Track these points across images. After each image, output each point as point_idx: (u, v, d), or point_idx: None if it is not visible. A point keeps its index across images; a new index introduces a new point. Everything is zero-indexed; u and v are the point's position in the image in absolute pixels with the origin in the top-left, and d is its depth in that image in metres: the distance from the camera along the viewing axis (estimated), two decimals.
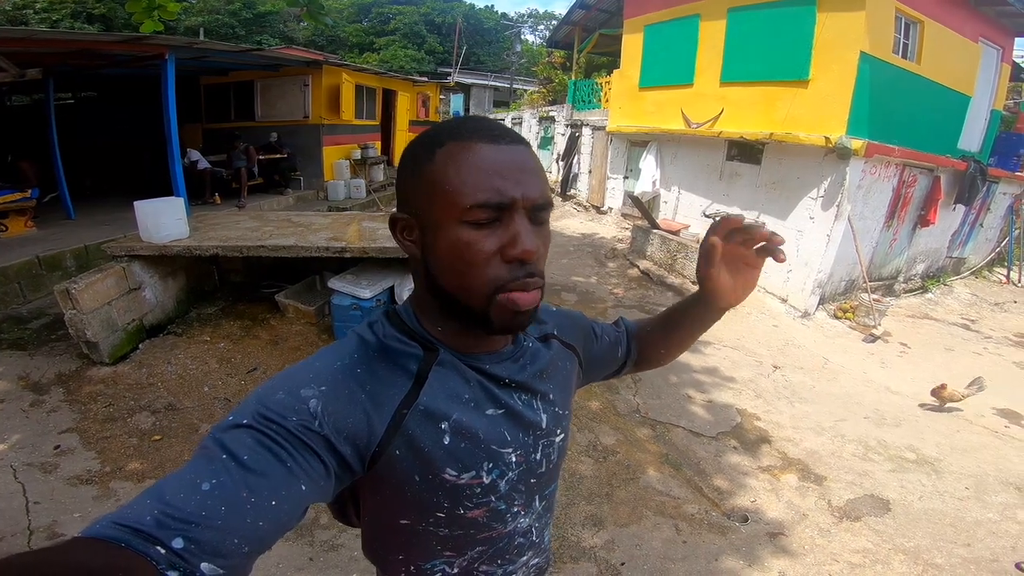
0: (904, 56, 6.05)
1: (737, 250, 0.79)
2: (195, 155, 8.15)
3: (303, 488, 0.53)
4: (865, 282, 6.07)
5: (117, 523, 0.44)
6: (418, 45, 26.22)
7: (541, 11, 38.80)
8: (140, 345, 4.07)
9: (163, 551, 0.43)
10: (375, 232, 4.73)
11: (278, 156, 9.30)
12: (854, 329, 5.66)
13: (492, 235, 0.60)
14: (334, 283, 4.34)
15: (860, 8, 5.39)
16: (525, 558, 0.83)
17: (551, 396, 0.77)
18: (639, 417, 3.67)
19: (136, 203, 4.18)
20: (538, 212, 0.62)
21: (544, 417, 0.76)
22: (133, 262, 4.17)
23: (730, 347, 4.89)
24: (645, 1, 8.51)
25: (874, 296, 6.02)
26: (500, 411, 0.70)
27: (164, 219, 4.19)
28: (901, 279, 7.17)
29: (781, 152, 6.36)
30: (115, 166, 9.84)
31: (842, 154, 5.52)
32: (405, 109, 13.41)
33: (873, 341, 5.36)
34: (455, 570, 0.76)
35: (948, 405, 4.10)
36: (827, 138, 5.57)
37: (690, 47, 7.49)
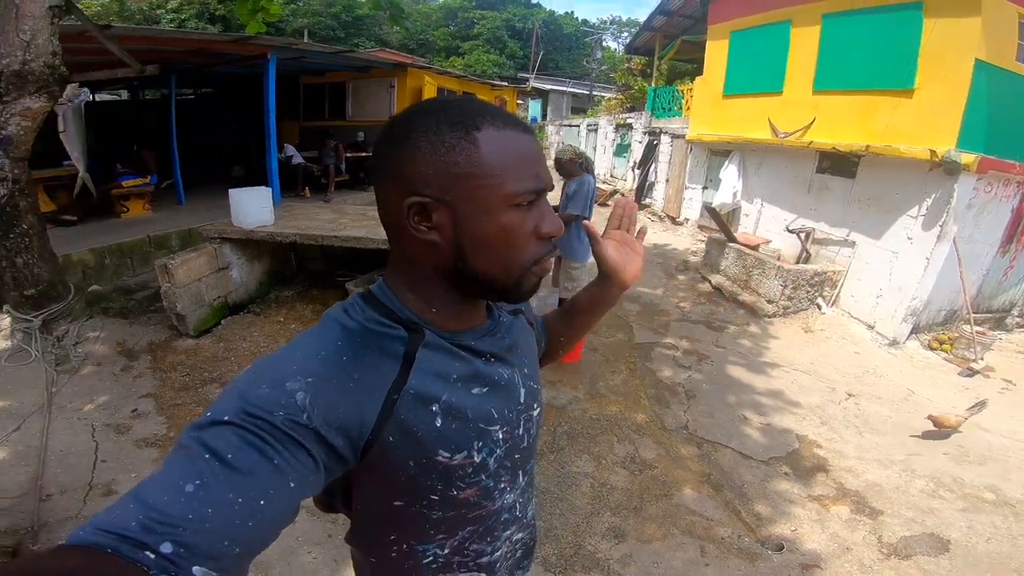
0: None
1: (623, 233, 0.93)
2: (291, 150, 8.79)
3: (292, 485, 0.52)
4: (968, 313, 5.42)
5: (102, 529, 0.43)
6: (500, 50, 26.82)
7: (624, 18, 38.22)
8: (222, 321, 4.46)
9: (153, 556, 0.42)
10: None
11: (363, 154, 9.81)
12: (950, 362, 5.07)
13: (528, 216, 0.65)
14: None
15: (975, 13, 4.85)
16: (508, 532, 0.84)
17: (526, 370, 0.80)
18: (686, 434, 3.51)
19: (230, 191, 4.60)
20: (547, 192, 0.68)
21: (523, 391, 0.77)
22: (224, 244, 4.58)
23: (801, 371, 4.55)
24: (731, 7, 8.16)
25: (978, 328, 5.36)
26: (485, 388, 0.71)
27: (252, 206, 4.58)
28: (1016, 312, 6.34)
29: (879, 165, 5.84)
30: (225, 158, 10.83)
31: (950, 169, 4.98)
32: None
33: (971, 375, 4.78)
34: (446, 550, 0.77)
35: (950, 429, 3.68)
36: (933, 151, 5.04)
37: (780, 53, 7.09)
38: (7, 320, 3.80)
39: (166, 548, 0.42)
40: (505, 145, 0.61)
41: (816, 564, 2.50)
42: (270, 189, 5.14)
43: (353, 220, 5.14)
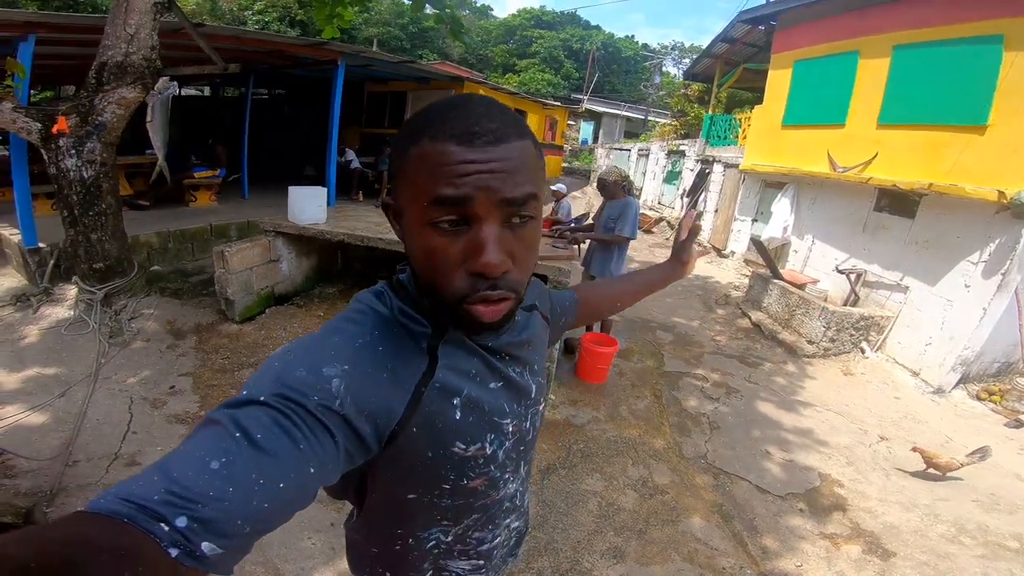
0: None
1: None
2: (351, 155, 9.22)
3: (311, 471, 0.52)
4: None
5: (123, 498, 0.43)
6: (555, 70, 27.12)
7: (687, 44, 37.76)
8: (267, 310, 4.72)
9: (166, 528, 0.42)
10: None
11: None
12: (997, 412, 4.76)
13: (458, 241, 0.58)
14: None
15: None
16: (508, 520, 0.88)
17: (536, 366, 0.82)
18: (704, 463, 3.46)
19: (290, 188, 4.89)
20: (516, 210, 0.59)
21: (533, 387, 0.80)
22: (278, 237, 4.87)
23: (834, 411, 4.39)
24: (797, 36, 8.02)
25: None
26: (500, 383, 0.74)
27: (307, 204, 4.85)
28: None
29: (941, 206, 5.58)
30: (290, 157, 11.45)
31: (1018, 213, 4.71)
32: (534, 130, 13.91)
33: (1018, 427, 4.48)
34: (450, 537, 0.81)
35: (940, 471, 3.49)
36: (1002, 193, 4.77)
37: (845, 85, 6.89)
38: (73, 291, 4.14)
39: (181, 522, 0.43)
40: (433, 157, 0.57)
41: None
42: (326, 189, 5.43)
43: None
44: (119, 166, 4.57)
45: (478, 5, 34.11)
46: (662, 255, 9.98)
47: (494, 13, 36.05)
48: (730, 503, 3.09)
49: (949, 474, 3.54)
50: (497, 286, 0.60)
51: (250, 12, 20.16)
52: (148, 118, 4.86)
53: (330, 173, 7.57)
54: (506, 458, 0.77)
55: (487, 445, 0.72)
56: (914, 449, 3.61)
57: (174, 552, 0.42)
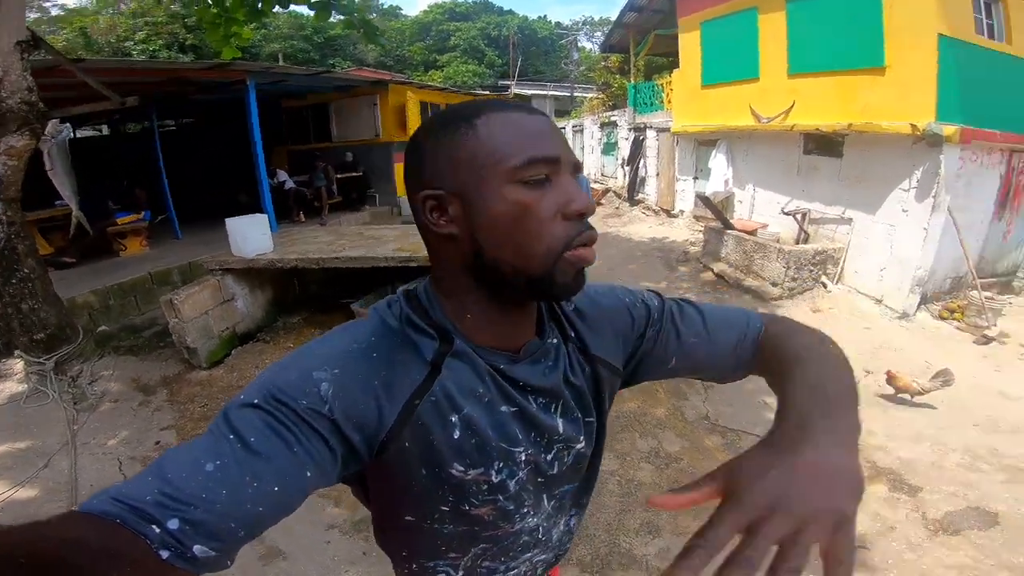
0: (991, 37, 5.52)
1: None
2: (283, 176, 8.80)
3: (308, 475, 0.52)
4: (974, 279, 5.47)
5: (116, 499, 0.44)
6: (478, 60, 26.90)
7: (596, 18, 38.36)
8: (233, 351, 4.46)
9: (158, 530, 0.43)
10: None
11: (354, 175, 9.82)
12: (963, 330, 5.09)
13: (547, 195, 0.59)
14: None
15: None
16: (529, 555, 0.80)
17: (571, 403, 0.73)
18: (708, 424, 3.50)
19: (227, 220, 4.59)
20: (576, 172, 0.64)
21: (560, 422, 0.71)
22: (226, 275, 4.57)
23: None
24: None
25: (987, 294, 5.41)
26: (513, 409, 0.67)
27: (251, 234, 4.57)
28: (1021, 274, 6.40)
29: (863, 143, 5.91)
30: (215, 188, 10.79)
31: (932, 141, 5.05)
32: None
33: (987, 343, 4.79)
34: (460, 573, 0.76)
35: (915, 399, 3.69)
36: (914, 126, 5.11)
37: (751, 41, 7.21)
38: (20, 364, 3.80)
39: (173, 524, 0.43)
40: (505, 124, 0.60)
41: (862, 545, 2.45)
42: (266, 216, 5.13)
43: (351, 241, 5.14)
44: (29, 223, 4.13)
45: (385, 7, 33.25)
46: (613, 224, 10.19)
47: (404, 12, 35.28)
48: None
49: (919, 399, 3.70)
50: (591, 227, 0.62)
51: (132, 43, 18.81)
52: (47, 166, 4.43)
53: (265, 198, 7.20)
54: (520, 490, 0.70)
55: (492, 472, 0.66)
56: (887, 373, 3.77)
57: (165, 554, 0.42)
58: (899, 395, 3.75)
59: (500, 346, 0.67)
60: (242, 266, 4.56)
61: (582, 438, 0.75)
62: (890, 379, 3.74)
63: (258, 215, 4.97)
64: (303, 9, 4.38)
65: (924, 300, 5.53)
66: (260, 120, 7.00)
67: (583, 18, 38.69)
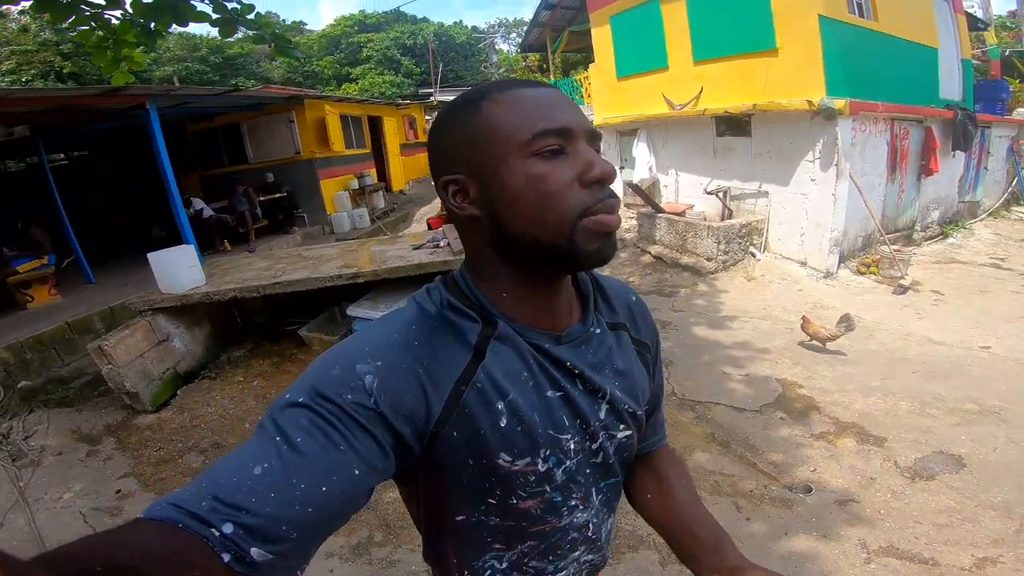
0: (861, 15, 6.17)
1: None
2: (199, 204, 8.23)
3: (356, 473, 0.51)
4: (881, 235, 6.08)
5: (175, 504, 0.45)
6: (395, 69, 26.37)
7: (511, 19, 38.82)
8: (178, 392, 4.14)
9: (217, 535, 0.44)
10: (385, 255, 4.79)
11: (277, 195, 9.38)
12: (881, 283, 5.64)
13: (563, 165, 0.59)
14: (352, 310, 4.39)
15: None
16: (577, 553, 0.77)
17: (617, 392, 0.71)
18: (676, 400, 3.62)
19: (149, 255, 4.25)
20: (594, 141, 0.62)
21: (604, 410, 0.70)
22: (157, 315, 4.24)
23: (758, 318, 4.88)
24: None
25: (895, 247, 6.03)
26: (559, 394, 0.66)
27: (179, 268, 4.26)
28: (918, 228, 7.17)
29: (768, 121, 6.40)
30: (124, 224, 9.93)
31: (827, 115, 5.58)
32: (393, 133, 13.53)
33: (904, 292, 5.32)
34: (504, 564, 0.73)
35: (826, 345, 4.10)
36: (809, 102, 5.63)
37: (657, 31, 7.58)
38: None
39: (227, 528, 0.44)
40: (513, 99, 0.59)
41: (851, 499, 2.55)
42: (193, 246, 4.80)
43: (291, 263, 4.92)
44: None
45: (288, 23, 31.92)
46: None
47: (309, 28, 33.96)
48: (719, 430, 3.23)
49: (830, 345, 4.07)
50: (613, 194, 0.61)
51: None
52: None
53: (184, 228, 6.71)
54: (568, 480, 0.69)
55: (539, 461, 0.65)
56: (802, 320, 4.08)
57: (226, 557, 0.44)
58: (812, 341, 4.11)
59: (542, 327, 0.66)
60: (174, 303, 4.24)
61: (623, 427, 0.73)
62: (803, 325, 4.12)
63: (185, 247, 4.64)
64: (201, 29, 4.13)
65: (842, 258, 6.07)
66: (167, 146, 6.52)
67: (498, 20, 38.89)
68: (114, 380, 3.68)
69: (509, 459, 0.63)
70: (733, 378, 3.85)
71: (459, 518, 0.68)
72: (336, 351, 0.59)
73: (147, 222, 9.55)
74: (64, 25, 3.81)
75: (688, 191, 7.96)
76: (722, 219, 6.89)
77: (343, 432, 0.52)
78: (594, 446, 0.70)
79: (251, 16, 3.89)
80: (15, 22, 17.54)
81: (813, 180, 6.03)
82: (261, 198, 8.90)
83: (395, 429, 0.56)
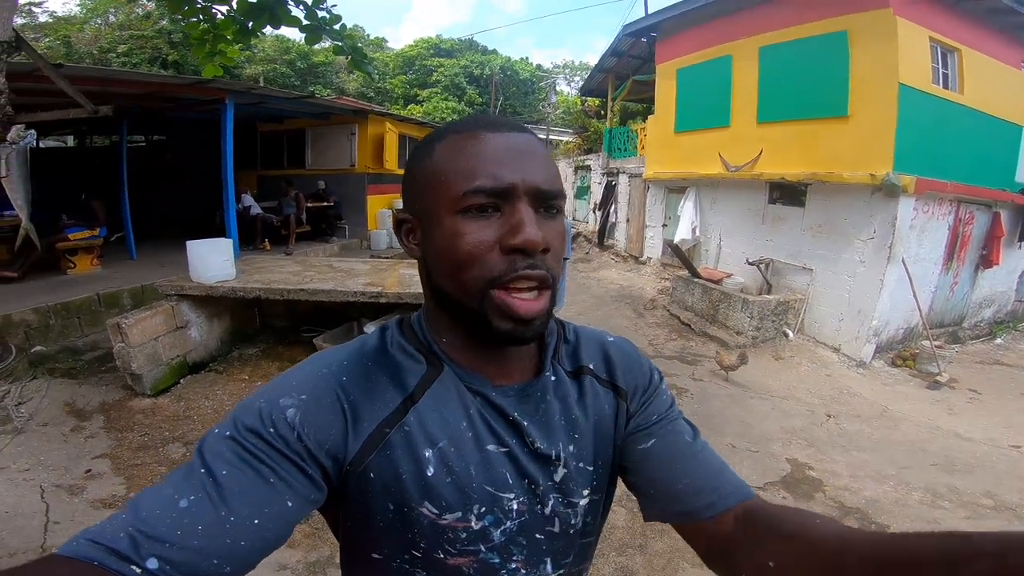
0: (945, 86, 5.85)
1: None
2: (248, 200, 8.57)
3: (289, 504, 0.51)
4: (925, 329, 5.70)
5: (93, 541, 0.43)
6: (458, 97, 27.25)
7: (576, 62, 39.76)
8: (181, 380, 4.20)
9: (138, 571, 0.42)
10: (412, 279, 4.80)
11: (325, 204, 9.67)
12: (915, 377, 5.30)
13: (490, 225, 0.55)
14: (368, 328, 4.40)
15: (892, 39, 5.27)
16: None
17: (571, 448, 0.64)
18: None
19: (188, 243, 4.40)
20: (546, 201, 0.57)
21: (561, 473, 0.63)
22: (182, 302, 4.35)
23: (779, 397, 4.65)
24: (676, 45, 8.66)
25: (936, 343, 5.64)
26: (503, 450, 0.60)
27: (212, 259, 4.38)
28: (966, 325, 6.70)
29: (826, 193, 6.17)
30: (180, 209, 10.44)
31: (890, 192, 5.31)
32: None
33: (938, 388, 5.00)
34: None
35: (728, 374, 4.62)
36: (873, 175, 5.37)
37: (724, 88, 7.50)
38: None
39: (152, 564, 0.43)
40: (463, 146, 0.57)
41: None
42: (230, 241, 4.95)
43: (320, 272, 5.00)
44: None
45: (371, 38, 33.73)
46: (583, 269, 10.24)
47: (389, 45, 35.75)
48: None
49: (731, 375, 4.49)
50: (536, 266, 0.55)
51: (114, 55, 18.53)
52: (2, 173, 4.20)
53: (230, 222, 6.99)
54: (508, 542, 0.61)
55: (472, 517, 0.59)
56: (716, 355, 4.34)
57: None
58: (722, 369, 4.60)
59: (489, 374, 0.62)
60: (200, 293, 4.35)
61: (582, 490, 0.65)
62: (718, 359, 4.64)
63: (221, 240, 4.78)
64: (292, 33, 4.36)
65: (879, 349, 5.70)
66: (234, 142, 6.87)
67: (564, 62, 39.89)
68: (123, 359, 3.77)
69: (436, 512, 0.58)
70: (741, 452, 3.70)
71: (375, 555, 0.62)
72: (265, 387, 0.57)
73: (211, 210, 10.01)
74: (178, 14, 4.14)
75: (729, 258, 7.73)
76: (759, 292, 6.64)
77: (270, 465, 0.51)
78: (546, 511, 0.63)
79: (337, 27, 4.10)
80: (141, 8, 19.24)
81: (862, 262, 5.74)
82: (309, 204, 9.19)
83: (319, 462, 0.54)
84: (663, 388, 0.73)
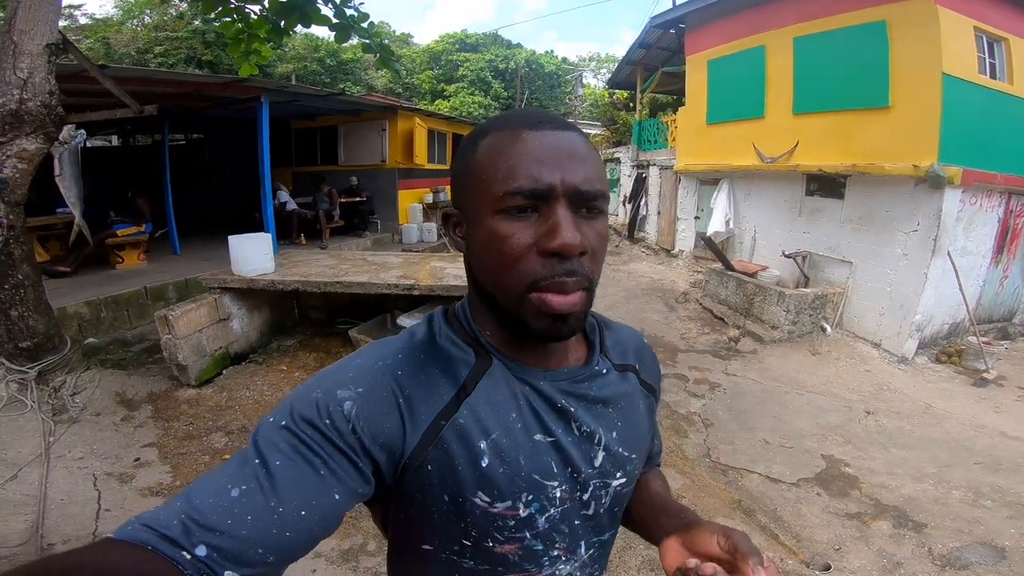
0: (993, 76, 5.59)
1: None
2: (284, 196, 8.77)
3: (336, 497, 0.52)
4: (972, 324, 5.47)
5: (147, 526, 0.45)
6: (484, 91, 27.22)
7: (603, 54, 39.18)
8: (224, 371, 4.35)
9: (188, 557, 0.44)
10: (443, 271, 4.87)
11: (357, 199, 9.83)
12: (961, 374, 5.09)
13: (529, 226, 0.56)
14: (402, 320, 4.49)
15: (934, 28, 5.05)
16: None
17: (614, 433, 0.67)
18: (709, 462, 3.47)
19: (230, 238, 4.55)
20: (586, 202, 0.57)
21: (601, 455, 0.66)
22: (224, 294, 4.51)
23: (815, 392, 4.54)
24: (706, 36, 8.48)
25: (984, 339, 5.41)
26: (549, 439, 0.62)
27: (253, 253, 4.52)
28: (1017, 321, 6.41)
29: (866, 184, 5.97)
30: (219, 205, 10.77)
31: (935, 183, 5.10)
32: None
33: (984, 386, 4.79)
34: None
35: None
36: (916, 166, 5.17)
37: (757, 79, 7.32)
38: (1, 371, 3.67)
39: (201, 551, 0.45)
40: (504, 144, 0.57)
41: None
42: (270, 235, 5.09)
43: (354, 266, 5.10)
44: (29, 229, 4.07)
45: (397, 34, 33.97)
46: (613, 263, 10.15)
47: (415, 40, 35.93)
48: (747, 497, 3.09)
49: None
50: (574, 271, 0.56)
51: (151, 55, 19.15)
52: (56, 172, 4.39)
53: (268, 217, 7.18)
54: (551, 528, 0.64)
55: (521, 505, 0.61)
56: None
57: None
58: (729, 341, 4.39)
59: (536, 363, 0.64)
60: (242, 285, 4.50)
61: (619, 475, 0.69)
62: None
63: (261, 234, 4.92)
64: (321, 31, 4.45)
65: (922, 344, 5.51)
66: (270, 139, 7.04)
67: (590, 54, 39.39)
68: (169, 350, 3.93)
69: (487, 500, 0.60)
70: (775, 448, 3.65)
71: (426, 547, 0.64)
72: (320, 375, 0.58)
73: (249, 206, 10.31)
74: (212, 14, 4.27)
75: (765, 251, 7.57)
76: (796, 286, 6.48)
77: (323, 456, 0.52)
78: (585, 496, 0.66)
79: (365, 24, 4.17)
80: (175, 8, 19.83)
81: (905, 255, 5.54)
82: (342, 199, 9.37)
83: (372, 456, 0.55)
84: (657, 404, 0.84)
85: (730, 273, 6.77)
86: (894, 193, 5.62)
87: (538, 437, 0.62)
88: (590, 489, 0.66)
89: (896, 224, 5.64)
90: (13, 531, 2.53)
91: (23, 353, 3.60)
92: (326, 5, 4.03)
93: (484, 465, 0.59)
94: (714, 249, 7.13)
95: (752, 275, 6.63)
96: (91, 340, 4.52)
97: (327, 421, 0.53)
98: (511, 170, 0.55)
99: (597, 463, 0.66)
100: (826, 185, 6.61)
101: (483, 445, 0.59)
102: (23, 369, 3.57)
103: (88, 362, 4.09)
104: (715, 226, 8.10)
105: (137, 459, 3.21)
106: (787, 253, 6.79)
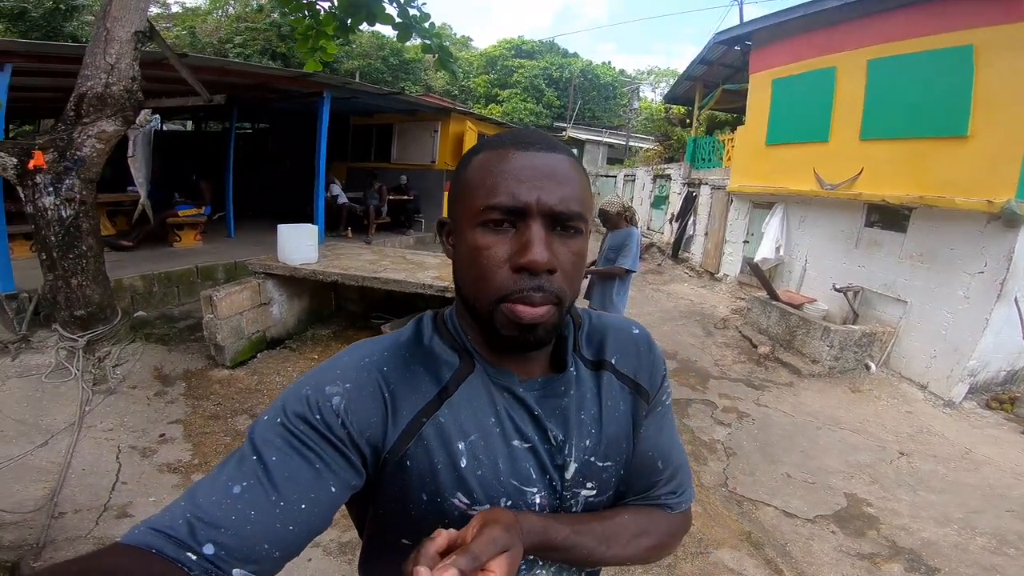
0: None
1: None
2: (336, 189, 9.10)
3: (332, 490, 0.54)
4: None
5: (153, 528, 0.47)
6: (537, 99, 27.21)
7: (662, 68, 38.49)
8: (258, 354, 4.54)
9: (195, 557, 0.45)
10: None
11: (405, 198, 10.07)
12: (1011, 421, 4.73)
13: (505, 241, 0.59)
14: None
15: None
16: None
17: (587, 442, 0.67)
18: (725, 491, 3.36)
19: (279, 226, 4.75)
20: (562, 222, 0.59)
21: (573, 467, 0.66)
22: (268, 280, 4.71)
23: (849, 430, 4.32)
24: (773, 55, 8.18)
25: None
26: (526, 445, 0.64)
27: (298, 243, 4.71)
28: None
29: (932, 218, 5.60)
30: (276, 193, 11.25)
31: (1010, 222, 4.72)
32: None
33: None
34: None
35: None
36: (990, 202, 4.80)
37: (824, 101, 6.98)
38: (54, 338, 3.92)
39: (208, 550, 0.46)
40: (489, 163, 0.60)
41: None
42: (316, 227, 5.29)
43: (393, 263, 5.23)
44: (99, 204, 4.36)
45: (458, 36, 34.60)
46: (653, 281, 9.96)
47: (474, 44, 36.48)
48: (759, 530, 2.98)
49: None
50: (542, 287, 0.58)
51: (231, 45, 20.21)
52: (129, 153, 4.68)
53: (318, 209, 7.45)
54: None
55: None
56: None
57: None
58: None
59: (513, 369, 0.66)
60: (285, 273, 4.69)
61: (590, 484, 0.69)
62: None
63: (308, 225, 5.12)
64: (387, 30, 4.55)
65: (973, 390, 5.12)
66: (328, 134, 7.32)
67: (648, 68, 38.82)
68: (210, 330, 4.14)
69: (466, 502, 0.61)
70: (796, 482, 3.50)
71: (405, 541, 0.65)
72: (310, 373, 0.61)
73: (306, 197, 10.74)
74: (287, 7, 4.48)
75: (814, 282, 7.22)
76: (843, 322, 6.16)
77: (316, 451, 0.54)
78: (562, 504, 0.68)
79: (426, 25, 4.28)
80: (256, 0, 20.88)
81: (967, 298, 5.16)
82: (391, 197, 9.62)
83: (360, 449, 0.57)
84: (667, 384, 0.80)
85: (774, 303, 6.49)
86: (962, 230, 5.25)
87: (516, 443, 0.63)
88: (567, 500, 0.68)
89: (960, 264, 5.27)
90: (30, 497, 2.65)
91: (76, 321, 3.83)
92: (391, 4, 4.15)
93: (463, 466, 0.60)
94: (760, 277, 6.86)
95: (798, 307, 6.34)
96: (140, 313, 4.80)
97: (318, 416, 0.55)
98: (493, 186, 0.58)
99: (569, 473, 0.67)
100: (888, 217, 6.26)
101: (461, 446, 0.61)
102: (74, 337, 3.79)
103: (134, 335, 4.33)
104: (764, 252, 7.78)
105: (162, 435, 3.32)
106: (838, 287, 6.46)
